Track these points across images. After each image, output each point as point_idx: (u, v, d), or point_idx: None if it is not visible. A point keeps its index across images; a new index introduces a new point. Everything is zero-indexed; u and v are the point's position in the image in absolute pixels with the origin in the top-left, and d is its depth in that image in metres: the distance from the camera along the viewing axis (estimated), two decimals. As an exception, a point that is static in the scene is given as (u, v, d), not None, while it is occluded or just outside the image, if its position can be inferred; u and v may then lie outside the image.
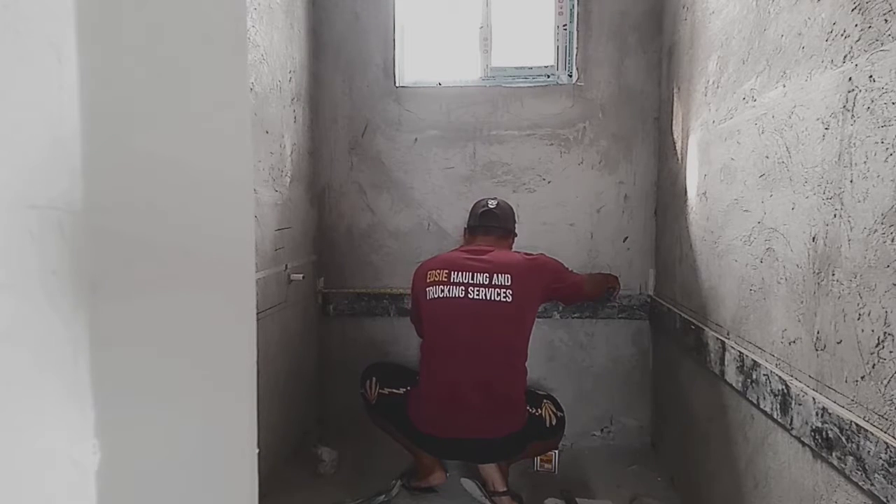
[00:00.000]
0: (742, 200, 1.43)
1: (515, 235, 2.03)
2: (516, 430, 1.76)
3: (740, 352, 1.40)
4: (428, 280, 1.81)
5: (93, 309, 0.35)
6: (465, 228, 2.04)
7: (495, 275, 1.77)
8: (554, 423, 1.87)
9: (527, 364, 1.83)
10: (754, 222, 1.35)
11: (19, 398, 0.35)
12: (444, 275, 1.79)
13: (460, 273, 1.78)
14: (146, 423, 0.41)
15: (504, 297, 1.74)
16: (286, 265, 1.99)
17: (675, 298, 2.01)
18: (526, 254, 1.93)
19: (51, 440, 0.36)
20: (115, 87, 0.38)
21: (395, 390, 1.89)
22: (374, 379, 1.95)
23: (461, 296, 1.76)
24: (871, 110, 0.91)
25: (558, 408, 1.91)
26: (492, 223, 1.94)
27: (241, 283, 0.53)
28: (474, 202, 2.04)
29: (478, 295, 1.75)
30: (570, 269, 2.00)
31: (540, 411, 1.85)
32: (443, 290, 1.78)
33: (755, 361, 1.32)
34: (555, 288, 1.87)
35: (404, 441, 1.91)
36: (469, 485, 1.93)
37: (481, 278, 1.77)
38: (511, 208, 2.04)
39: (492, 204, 1.96)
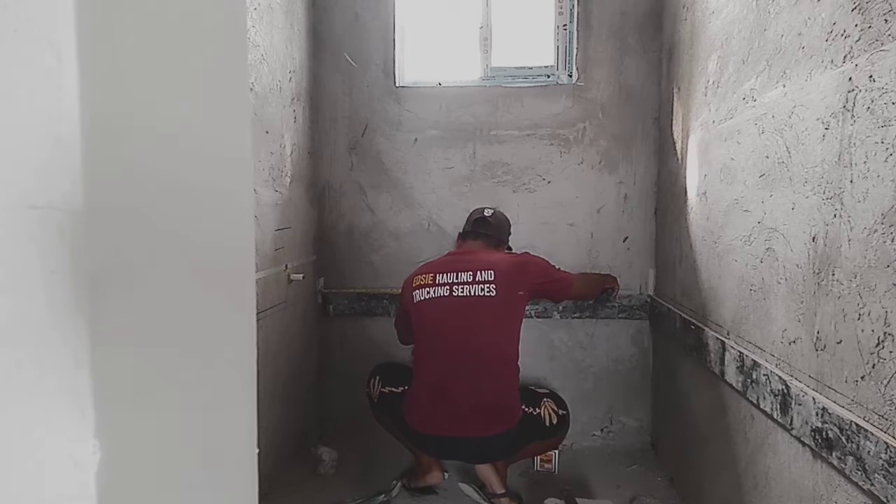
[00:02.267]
0: (742, 200, 1.43)
1: (509, 247, 2.04)
2: (508, 428, 1.75)
3: (740, 352, 1.40)
4: (414, 285, 1.85)
5: (93, 309, 0.35)
6: (458, 234, 2.06)
7: (478, 271, 1.80)
8: (555, 421, 1.85)
9: (519, 362, 1.82)
10: (754, 222, 1.35)
11: (19, 398, 0.35)
12: (430, 278, 1.83)
13: (444, 274, 1.82)
14: (146, 423, 0.41)
15: (488, 292, 1.77)
16: (286, 265, 1.99)
17: (675, 298, 2.01)
18: (510, 253, 1.96)
19: (51, 440, 0.36)
20: (115, 87, 0.38)
21: (394, 389, 1.91)
22: (377, 377, 1.97)
23: (445, 294, 1.79)
24: (871, 110, 0.91)
25: (560, 405, 1.90)
26: (483, 230, 1.96)
27: (241, 283, 0.53)
28: (472, 210, 2.05)
29: (462, 292, 1.78)
30: (559, 267, 1.99)
31: (538, 410, 1.84)
32: (429, 292, 1.81)
33: (755, 361, 1.32)
34: (540, 283, 1.87)
35: (403, 440, 1.91)
36: (467, 489, 1.93)
37: (465, 276, 1.80)
38: (507, 220, 2.03)
39: (487, 213, 1.98)
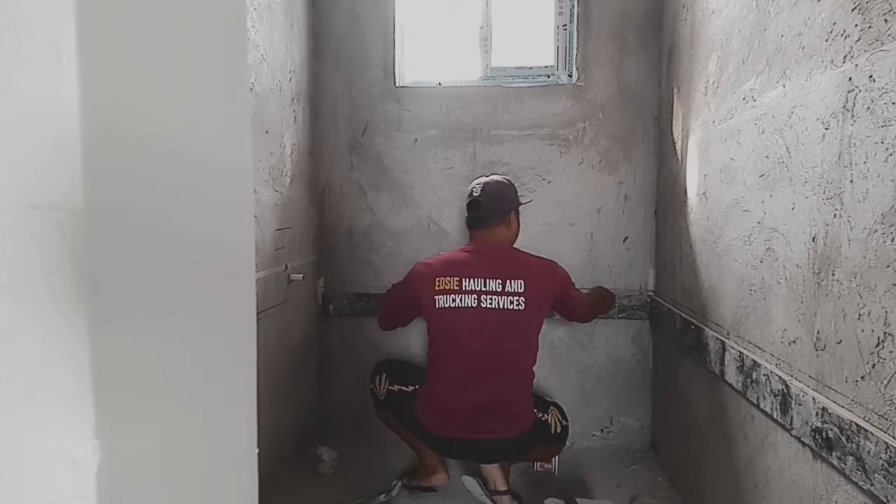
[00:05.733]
0: (742, 200, 1.43)
1: (518, 206, 1.88)
2: (523, 432, 1.77)
3: (740, 352, 1.40)
4: (437, 288, 1.75)
5: (93, 309, 0.35)
6: (466, 217, 1.92)
7: (508, 281, 1.73)
8: (558, 430, 1.88)
9: (535, 367, 1.83)
10: (754, 222, 1.35)
11: (20, 398, 0.35)
12: (455, 282, 1.74)
13: (471, 280, 1.74)
14: (146, 423, 0.41)
15: (517, 305, 1.71)
16: (286, 265, 1.99)
17: (675, 298, 2.01)
18: (539, 257, 1.85)
19: (51, 440, 0.36)
20: (115, 87, 0.38)
21: (403, 387, 1.89)
22: (384, 375, 1.95)
23: (473, 305, 1.72)
24: (871, 110, 0.91)
25: (564, 417, 1.92)
26: (477, 213, 1.82)
27: (241, 283, 0.53)
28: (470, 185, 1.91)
29: (490, 304, 1.72)
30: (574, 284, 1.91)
31: (546, 416, 1.86)
32: (454, 300, 1.73)
33: (755, 361, 1.32)
34: (561, 296, 1.82)
35: (410, 438, 1.91)
36: (470, 482, 1.93)
37: (493, 284, 1.73)
38: (503, 184, 1.86)
39: (476, 192, 1.81)
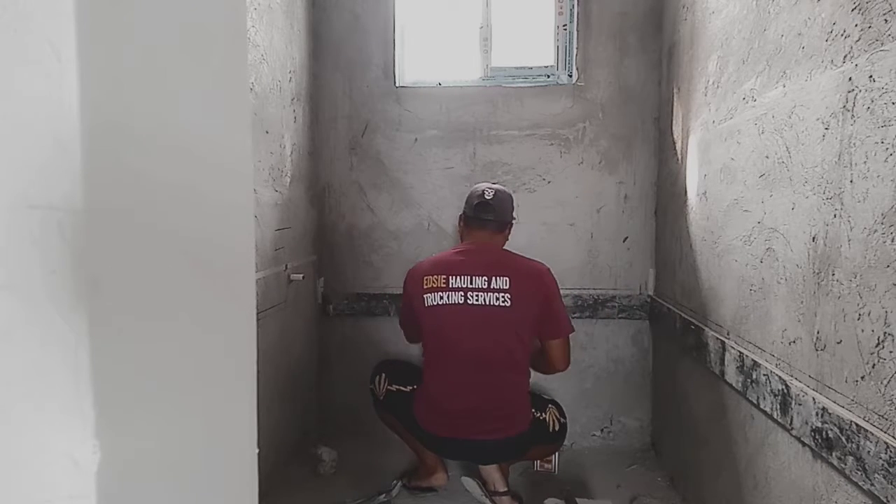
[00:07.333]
0: (742, 200, 1.43)
1: (514, 222, 1.92)
2: (521, 432, 1.77)
3: (740, 352, 1.40)
4: (425, 286, 1.77)
5: (93, 309, 0.35)
6: (460, 216, 1.93)
7: (493, 277, 1.74)
8: (557, 428, 1.87)
9: (530, 367, 1.82)
10: (754, 222, 1.35)
11: (20, 398, 0.35)
12: (443, 280, 1.76)
13: (458, 277, 1.75)
14: (146, 424, 0.41)
15: (503, 302, 1.72)
16: (286, 265, 1.99)
17: (675, 298, 2.01)
18: (530, 259, 1.85)
19: (51, 440, 0.36)
20: (115, 87, 0.38)
21: (402, 388, 1.89)
22: (383, 375, 1.95)
23: (460, 302, 1.73)
24: (871, 110, 0.91)
25: (562, 414, 1.91)
26: (487, 216, 1.83)
27: (241, 283, 0.53)
28: (472, 187, 1.93)
29: (477, 300, 1.73)
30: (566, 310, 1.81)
31: (544, 415, 1.86)
32: (441, 297, 1.75)
33: (755, 361, 1.32)
34: (547, 304, 1.74)
35: (409, 439, 1.91)
36: (470, 483, 1.93)
37: (479, 282, 1.74)
38: (509, 195, 1.90)
39: (488, 195, 1.83)
